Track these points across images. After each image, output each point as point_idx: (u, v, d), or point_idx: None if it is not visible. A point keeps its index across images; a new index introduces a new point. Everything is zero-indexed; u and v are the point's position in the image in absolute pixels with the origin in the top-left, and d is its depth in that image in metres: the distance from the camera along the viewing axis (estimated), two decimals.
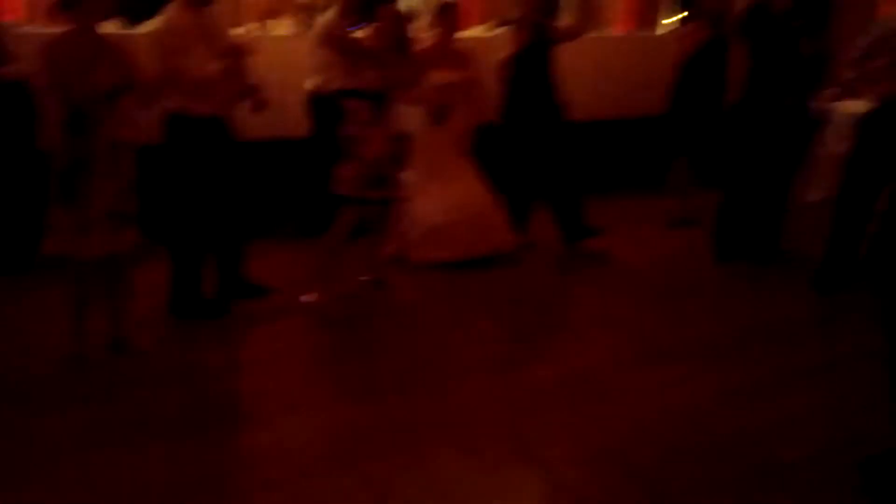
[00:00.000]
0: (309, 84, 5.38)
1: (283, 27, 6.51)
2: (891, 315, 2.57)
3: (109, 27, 4.70)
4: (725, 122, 5.91)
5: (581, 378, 3.68)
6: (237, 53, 4.07)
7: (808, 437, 3.20)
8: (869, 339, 3.91)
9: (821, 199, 6.87)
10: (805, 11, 5.26)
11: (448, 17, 5.10)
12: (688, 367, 3.82)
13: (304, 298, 4.47)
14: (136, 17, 5.42)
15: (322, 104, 5.19)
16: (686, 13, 8.54)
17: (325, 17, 5.41)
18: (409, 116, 4.96)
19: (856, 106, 6.07)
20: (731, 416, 3.35)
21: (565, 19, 6.54)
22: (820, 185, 7.00)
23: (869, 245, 4.91)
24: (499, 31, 6.93)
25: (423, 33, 5.38)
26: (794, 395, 3.57)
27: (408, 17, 4.82)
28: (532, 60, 5.26)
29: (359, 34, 4.99)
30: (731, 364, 3.89)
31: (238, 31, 5.75)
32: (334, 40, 4.79)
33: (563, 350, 4.10)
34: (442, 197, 5.09)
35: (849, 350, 4.06)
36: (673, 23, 9.00)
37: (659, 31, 8.53)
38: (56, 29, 3.70)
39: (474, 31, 7.34)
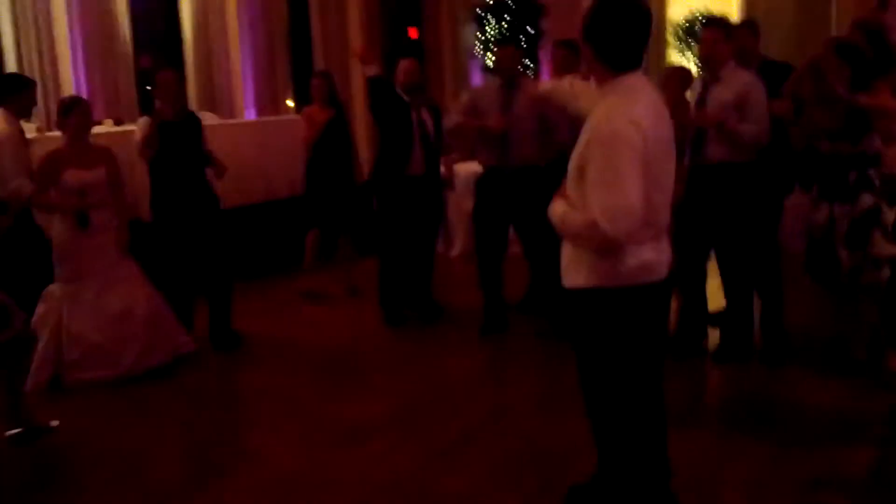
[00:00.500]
0: None
1: None
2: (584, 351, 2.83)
3: None
4: (362, 195, 6.32)
5: (285, 478, 3.57)
6: None
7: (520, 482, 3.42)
8: (538, 382, 4.44)
9: (460, 252, 7.58)
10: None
11: (77, 115, 4.67)
12: (388, 440, 3.88)
13: None
14: None
15: None
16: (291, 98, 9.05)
17: None
18: (49, 224, 4.58)
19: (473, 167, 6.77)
20: (442, 476, 3.48)
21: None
22: (457, 240, 7.72)
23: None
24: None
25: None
26: (495, 443, 3.81)
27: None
28: (175, 153, 5.07)
29: None
30: (428, 426, 4.04)
31: None
32: None
33: (260, 451, 3.91)
34: (98, 309, 4.65)
35: (521, 394, 4.43)
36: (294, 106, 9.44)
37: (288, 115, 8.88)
38: None
39: (104, 126, 6.97)
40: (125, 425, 4.21)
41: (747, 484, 3.29)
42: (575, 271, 2.67)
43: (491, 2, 11.97)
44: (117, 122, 7.67)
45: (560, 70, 5.28)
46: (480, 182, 5.32)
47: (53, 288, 4.71)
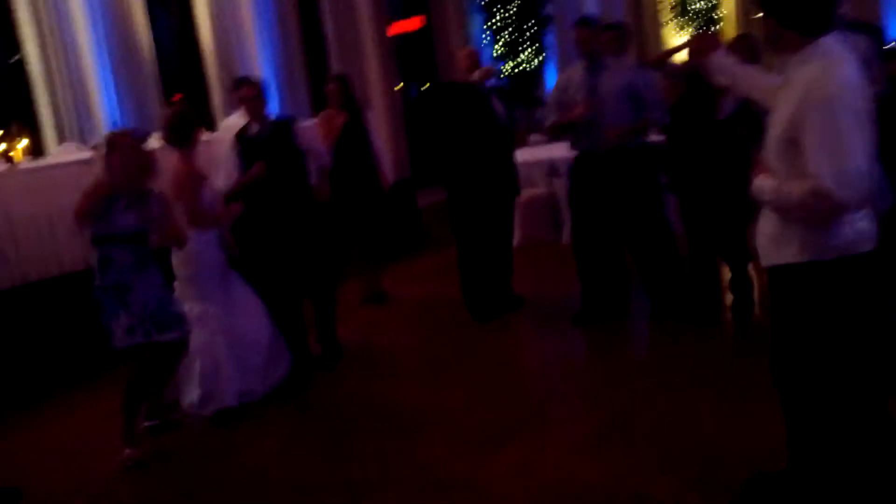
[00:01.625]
0: None
1: None
2: None
3: None
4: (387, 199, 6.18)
5: (449, 486, 3.46)
6: None
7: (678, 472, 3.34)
8: (669, 368, 4.32)
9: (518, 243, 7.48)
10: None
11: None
12: (534, 438, 3.79)
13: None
14: None
15: None
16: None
17: None
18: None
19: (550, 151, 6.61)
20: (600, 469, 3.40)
21: None
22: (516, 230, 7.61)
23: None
24: None
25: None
26: (644, 433, 3.73)
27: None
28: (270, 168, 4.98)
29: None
30: (569, 421, 3.95)
31: None
32: None
33: (414, 460, 3.80)
34: (235, 326, 4.57)
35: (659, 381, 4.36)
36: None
37: None
38: None
39: None
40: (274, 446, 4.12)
41: None
42: (783, 247, 2.56)
43: None
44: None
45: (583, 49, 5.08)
46: (574, 168, 5.21)
47: (199, 310, 4.48)
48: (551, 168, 7.62)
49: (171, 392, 4.51)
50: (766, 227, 2.64)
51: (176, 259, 4.47)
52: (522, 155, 5.87)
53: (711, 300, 5.06)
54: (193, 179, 4.40)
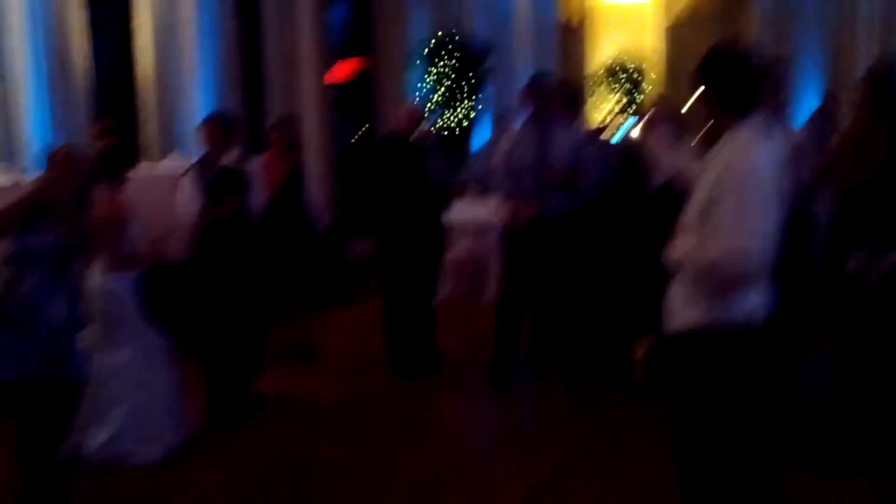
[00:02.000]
0: None
1: None
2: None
3: None
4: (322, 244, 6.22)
5: None
6: None
7: None
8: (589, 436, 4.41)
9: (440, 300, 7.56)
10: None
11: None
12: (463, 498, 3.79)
13: None
14: None
15: None
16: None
17: None
18: None
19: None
20: None
21: None
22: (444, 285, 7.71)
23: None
24: None
25: None
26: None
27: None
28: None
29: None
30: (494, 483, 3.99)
31: None
32: None
33: None
34: (145, 383, 4.47)
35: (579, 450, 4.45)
36: None
37: None
38: None
39: None
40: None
41: None
42: (686, 313, 2.71)
43: (438, 42, 12.10)
44: None
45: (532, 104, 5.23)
46: (510, 231, 5.33)
47: (114, 359, 4.40)
48: (478, 228, 7.77)
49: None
50: (678, 290, 2.77)
51: (92, 303, 4.34)
52: (450, 213, 6.01)
53: (625, 368, 5.22)
54: (117, 219, 4.31)
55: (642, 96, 17.34)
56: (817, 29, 15.55)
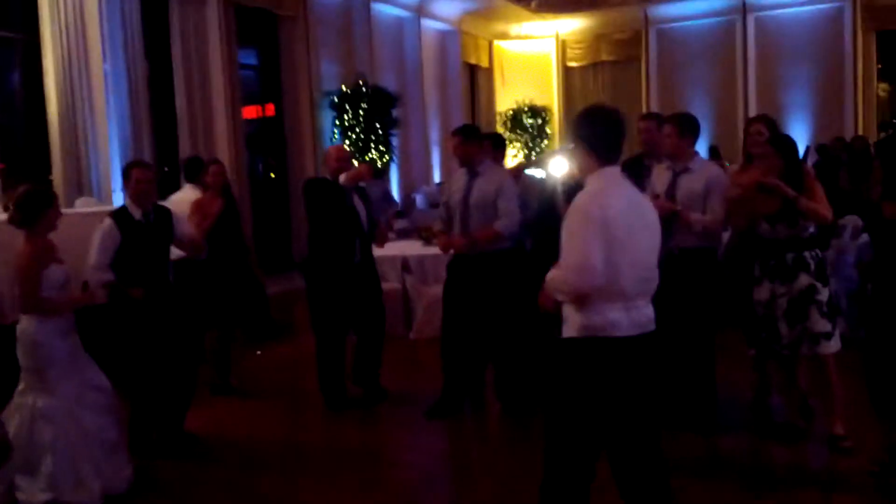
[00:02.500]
0: None
1: None
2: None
3: None
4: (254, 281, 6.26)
5: None
6: None
7: None
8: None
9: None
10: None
11: (56, 209, 4.42)
12: None
13: None
14: None
15: None
16: None
17: None
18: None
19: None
20: None
21: None
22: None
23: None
24: None
25: None
26: None
27: None
28: (142, 254, 4.91)
29: None
30: None
31: None
32: None
33: None
34: (78, 428, 4.31)
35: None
36: None
37: None
38: None
39: None
40: None
41: None
42: (566, 325, 3.15)
43: (347, 91, 12.30)
44: None
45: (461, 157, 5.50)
46: (450, 266, 5.52)
47: (28, 399, 4.25)
48: (404, 264, 7.91)
49: None
50: (564, 310, 3.18)
51: (20, 349, 4.26)
52: (377, 251, 6.08)
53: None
54: (34, 263, 4.20)
55: (546, 140, 18.00)
56: (704, 92, 16.64)
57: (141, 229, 4.78)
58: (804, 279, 4.47)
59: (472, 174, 5.43)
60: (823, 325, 4.46)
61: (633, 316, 3.11)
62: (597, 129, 3.18)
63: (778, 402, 4.93)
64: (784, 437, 4.70)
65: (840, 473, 4.29)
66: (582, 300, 3.05)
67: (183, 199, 6.28)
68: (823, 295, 4.47)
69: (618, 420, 3.11)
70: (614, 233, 3.02)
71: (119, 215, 4.81)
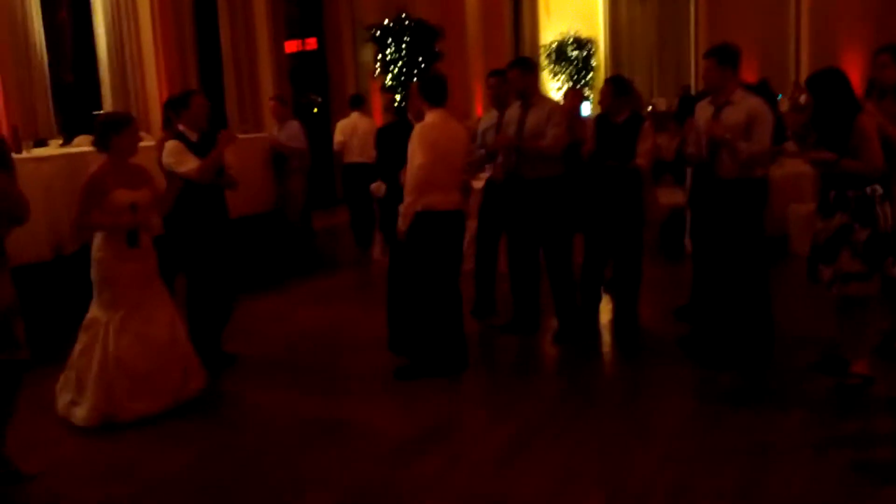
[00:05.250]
0: None
1: None
2: None
3: None
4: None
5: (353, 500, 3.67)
6: None
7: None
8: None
9: None
10: None
11: (129, 134, 4.49)
12: (437, 455, 4.05)
13: None
14: None
15: None
16: None
17: None
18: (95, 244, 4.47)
19: None
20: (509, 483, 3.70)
21: None
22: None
23: None
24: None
25: None
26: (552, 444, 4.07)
27: None
28: None
29: None
30: (473, 438, 4.25)
31: None
32: None
33: (317, 476, 3.97)
34: (145, 338, 4.49)
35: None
36: None
37: None
38: None
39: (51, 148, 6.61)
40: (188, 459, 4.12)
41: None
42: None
43: (389, 24, 12.19)
44: (37, 143, 7.27)
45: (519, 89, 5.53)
46: (485, 191, 5.94)
47: (97, 315, 4.49)
48: None
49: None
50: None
51: (92, 264, 4.49)
52: None
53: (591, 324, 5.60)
54: (93, 183, 4.38)
55: (591, 73, 17.66)
56: (754, 26, 16.12)
57: (197, 151, 5.03)
58: (839, 218, 4.37)
59: (526, 106, 5.46)
60: (855, 266, 4.33)
61: (449, 198, 4.80)
62: (429, 86, 4.88)
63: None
64: (826, 371, 4.69)
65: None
66: (420, 190, 4.69)
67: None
68: (860, 235, 4.30)
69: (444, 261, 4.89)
70: (440, 150, 4.70)
71: (179, 137, 5.07)
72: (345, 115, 9.50)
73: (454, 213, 4.92)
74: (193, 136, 5.10)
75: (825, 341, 4.94)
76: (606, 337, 5.70)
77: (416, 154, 4.71)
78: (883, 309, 4.76)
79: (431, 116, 4.84)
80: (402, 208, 4.78)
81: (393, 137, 5.14)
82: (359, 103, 9.38)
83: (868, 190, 4.31)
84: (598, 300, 5.66)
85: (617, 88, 5.44)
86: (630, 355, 5.29)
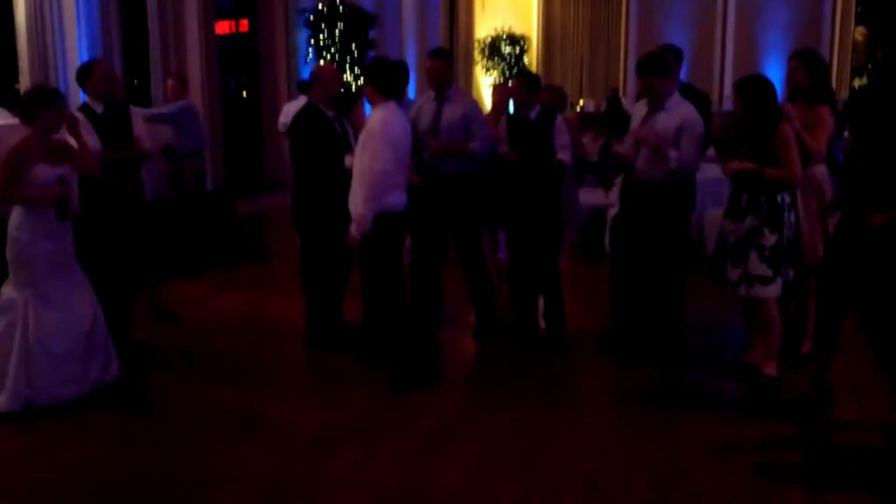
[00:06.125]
0: None
1: None
2: None
3: None
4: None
5: (270, 492, 3.65)
6: None
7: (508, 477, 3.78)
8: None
9: None
10: None
11: (56, 109, 4.35)
12: (359, 446, 4.07)
13: None
14: None
15: None
16: None
17: None
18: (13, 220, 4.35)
19: None
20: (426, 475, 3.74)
21: None
22: None
23: None
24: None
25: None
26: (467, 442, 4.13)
27: None
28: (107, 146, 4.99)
29: None
30: (395, 431, 4.27)
31: None
32: None
33: (236, 468, 3.93)
34: (65, 320, 4.37)
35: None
36: None
37: None
38: None
39: None
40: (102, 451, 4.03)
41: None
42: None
43: (323, 9, 12.08)
44: None
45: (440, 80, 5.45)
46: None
47: (13, 295, 4.34)
48: None
49: None
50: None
51: (7, 242, 4.36)
52: None
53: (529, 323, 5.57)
54: (14, 157, 4.26)
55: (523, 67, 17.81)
56: (683, 29, 16.54)
57: (103, 123, 4.97)
58: (750, 221, 4.52)
59: (442, 99, 5.42)
60: (761, 269, 4.50)
61: (403, 199, 4.65)
62: (382, 75, 4.59)
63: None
64: (735, 376, 4.84)
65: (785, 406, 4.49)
66: (380, 193, 4.45)
67: None
68: (769, 240, 4.47)
69: (396, 252, 4.70)
70: (396, 145, 4.50)
71: (84, 109, 5.00)
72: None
73: (406, 213, 4.71)
74: (99, 108, 5.01)
75: (735, 344, 5.15)
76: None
77: (376, 154, 4.39)
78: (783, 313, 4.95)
79: (385, 111, 4.52)
80: (356, 214, 4.46)
81: (308, 125, 5.10)
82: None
83: (779, 197, 4.48)
84: (533, 298, 5.55)
85: (528, 82, 5.39)
86: (553, 351, 5.36)
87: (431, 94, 5.49)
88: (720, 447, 3.99)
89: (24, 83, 8.31)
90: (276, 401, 4.60)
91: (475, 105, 5.66)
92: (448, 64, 5.51)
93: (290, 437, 4.11)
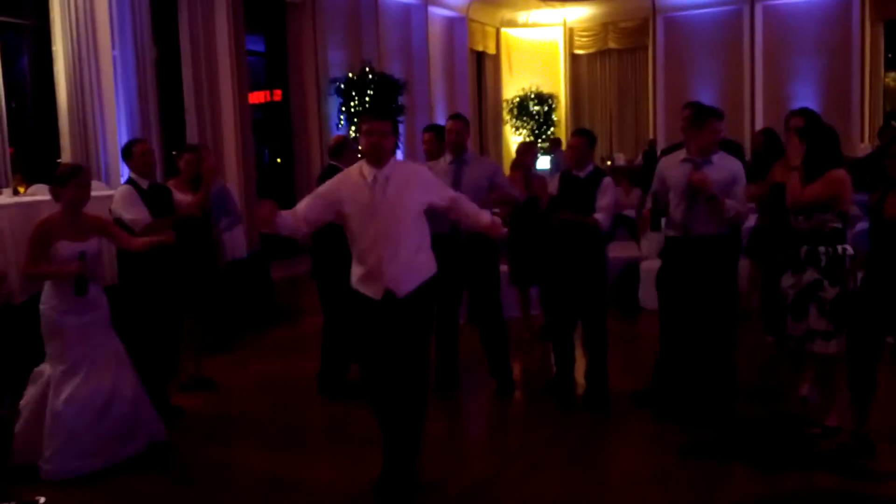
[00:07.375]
0: None
1: None
2: None
3: None
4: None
5: None
6: None
7: None
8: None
9: None
10: None
11: (75, 185, 4.45)
12: None
13: None
14: None
15: None
16: None
17: None
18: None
19: None
20: None
21: None
22: None
23: None
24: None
25: None
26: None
27: None
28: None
29: None
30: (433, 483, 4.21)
31: None
32: None
33: None
34: (85, 397, 4.42)
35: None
36: None
37: None
38: None
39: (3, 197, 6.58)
40: None
41: None
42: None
43: (353, 77, 12.38)
44: None
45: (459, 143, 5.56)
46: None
47: (44, 367, 4.48)
48: None
49: None
50: None
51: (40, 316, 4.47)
52: None
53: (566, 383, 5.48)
54: (37, 234, 4.37)
55: (552, 128, 18.00)
56: (711, 82, 16.63)
57: (148, 198, 5.14)
58: (810, 274, 4.41)
59: (460, 162, 5.51)
60: (822, 324, 4.39)
61: (371, 287, 4.05)
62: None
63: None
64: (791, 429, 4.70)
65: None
66: None
67: None
68: (829, 293, 4.37)
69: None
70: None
71: (130, 183, 5.20)
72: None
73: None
74: (144, 184, 5.18)
75: (773, 394, 5.05)
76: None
77: None
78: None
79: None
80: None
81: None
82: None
83: (840, 248, 4.39)
84: (571, 359, 5.45)
85: (589, 141, 5.32)
86: (595, 409, 5.23)
87: (448, 157, 5.57)
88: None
89: (66, 159, 8.58)
90: (305, 464, 4.61)
91: (497, 167, 5.78)
92: (467, 127, 5.63)
93: (319, 500, 4.10)
